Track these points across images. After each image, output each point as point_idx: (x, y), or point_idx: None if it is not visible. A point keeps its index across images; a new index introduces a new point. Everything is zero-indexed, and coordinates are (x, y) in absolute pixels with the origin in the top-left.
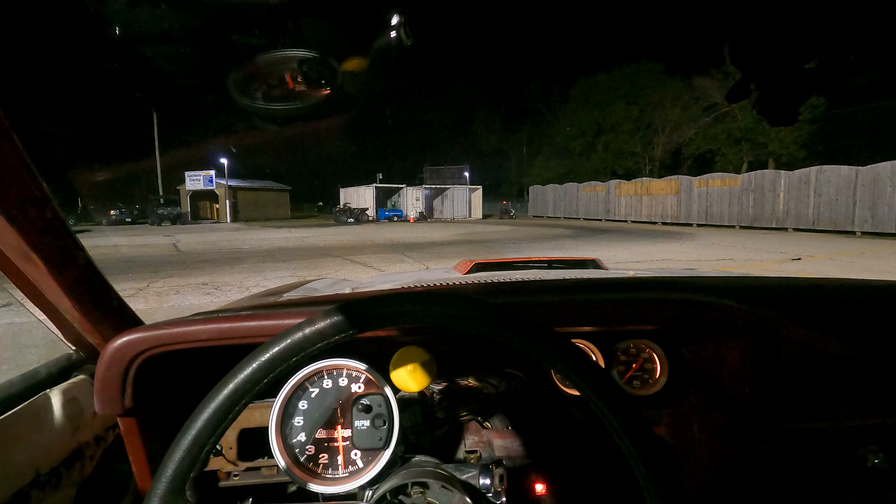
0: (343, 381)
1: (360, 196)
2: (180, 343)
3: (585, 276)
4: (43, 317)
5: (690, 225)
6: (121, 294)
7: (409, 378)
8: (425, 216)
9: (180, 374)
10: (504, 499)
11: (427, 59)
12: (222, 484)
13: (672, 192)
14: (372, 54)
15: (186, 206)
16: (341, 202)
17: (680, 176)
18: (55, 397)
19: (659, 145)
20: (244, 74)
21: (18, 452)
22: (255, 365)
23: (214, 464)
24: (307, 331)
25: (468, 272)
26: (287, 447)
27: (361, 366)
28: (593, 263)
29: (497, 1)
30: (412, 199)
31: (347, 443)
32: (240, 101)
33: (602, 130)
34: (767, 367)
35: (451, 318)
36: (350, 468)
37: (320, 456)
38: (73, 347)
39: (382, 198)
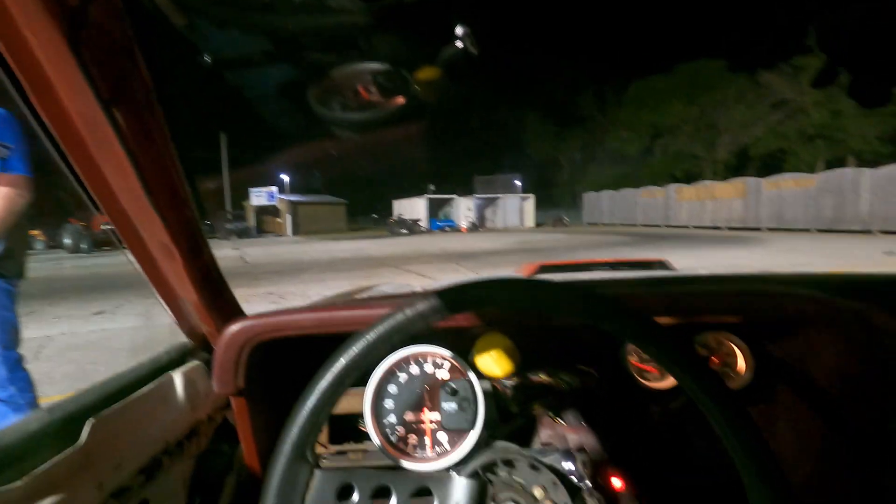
0: (429, 368)
1: (413, 207)
2: (286, 330)
3: (657, 275)
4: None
5: (759, 230)
6: None
7: (495, 363)
8: (477, 226)
9: (279, 361)
10: (588, 482)
11: (487, 68)
12: None
13: (738, 195)
14: (442, 64)
15: (252, 220)
16: (394, 214)
17: (746, 178)
18: (177, 379)
19: (722, 146)
20: (323, 88)
21: (151, 424)
22: (366, 341)
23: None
24: (409, 312)
25: (533, 274)
26: (380, 428)
27: (446, 353)
28: (661, 264)
29: (554, 8)
30: (464, 208)
31: (435, 425)
32: (319, 112)
33: (659, 133)
34: (866, 363)
35: (554, 304)
36: (438, 448)
37: (409, 437)
38: (188, 338)
39: (434, 208)
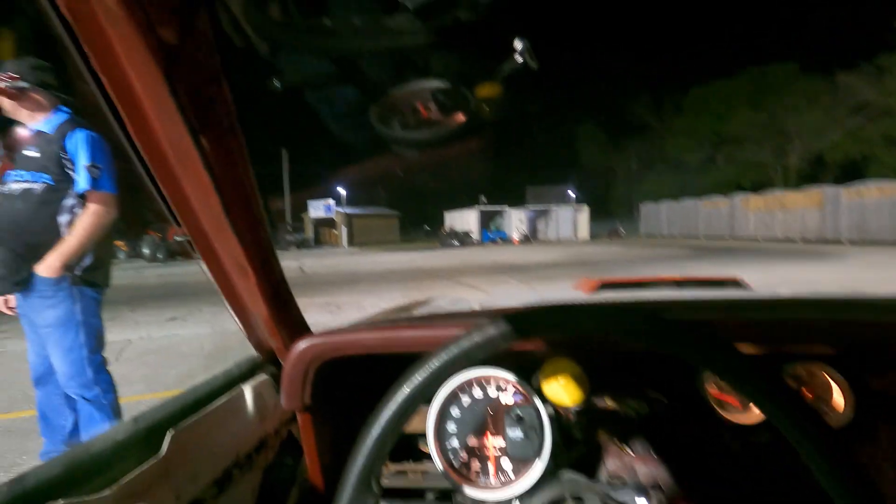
0: (493, 392)
1: (464, 219)
2: (352, 349)
3: (734, 296)
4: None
5: (839, 242)
6: None
7: (563, 391)
8: (529, 238)
9: (345, 377)
10: None
11: (542, 79)
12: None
13: (813, 204)
14: (501, 79)
15: (310, 232)
16: (446, 226)
17: (823, 186)
18: (247, 392)
19: (793, 153)
20: (383, 107)
21: (224, 437)
22: (431, 368)
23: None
24: (477, 337)
25: (594, 291)
26: (442, 451)
27: (511, 377)
28: (735, 284)
29: (610, 12)
30: (515, 220)
31: (499, 451)
32: (381, 131)
33: (723, 141)
34: None
35: (633, 332)
36: (502, 477)
37: (472, 462)
38: (256, 352)
39: (486, 220)
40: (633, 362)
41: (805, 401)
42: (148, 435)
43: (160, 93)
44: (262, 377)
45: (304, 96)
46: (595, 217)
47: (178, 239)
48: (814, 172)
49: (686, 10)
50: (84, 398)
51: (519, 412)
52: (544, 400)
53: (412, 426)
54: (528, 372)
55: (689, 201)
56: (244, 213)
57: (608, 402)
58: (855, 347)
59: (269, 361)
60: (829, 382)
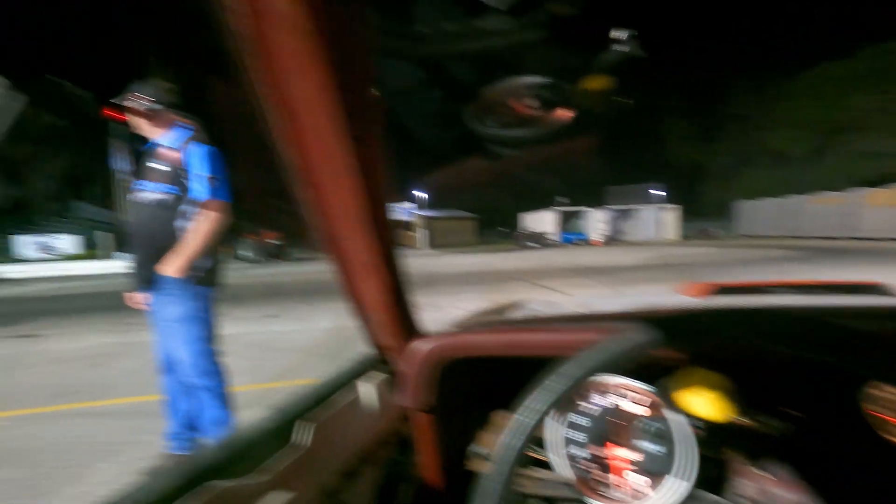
0: (622, 400)
1: (542, 220)
2: (475, 350)
3: (879, 304)
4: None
5: None
6: (346, 310)
7: (710, 405)
8: (611, 239)
9: (460, 378)
10: None
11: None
12: None
13: None
14: (602, 71)
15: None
16: (523, 227)
17: None
18: (369, 389)
19: None
20: (480, 107)
21: (351, 431)
22: (574, 371)
23: (480, 467)
24: (626, 343)
25: (708, 296)
26: (569, 459)
27: (645, 386)
28: (876, 289)
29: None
30: (596, 221)
31: (627, 464)
32: (478, 131)
33: (836, 129)
34: None
35: (804, 340)
36: (631, 491)
37: (595, 472)
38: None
39: (564, 221)
40: (770, 373)
41: None
42: (284, 425)
43: (323, 101)
44: (379, 375)
45: (391, 102)
46: (685, 217)
47: (273, 242)
48: None
49: None
50: (201, 386)
51: (653, 424)
52: (678, 411)
53: None
54: (652, 380)
55: (794, 198)
56: (377, 216)
57: (740, 417)
58: None
59: (383, 360)
60: None
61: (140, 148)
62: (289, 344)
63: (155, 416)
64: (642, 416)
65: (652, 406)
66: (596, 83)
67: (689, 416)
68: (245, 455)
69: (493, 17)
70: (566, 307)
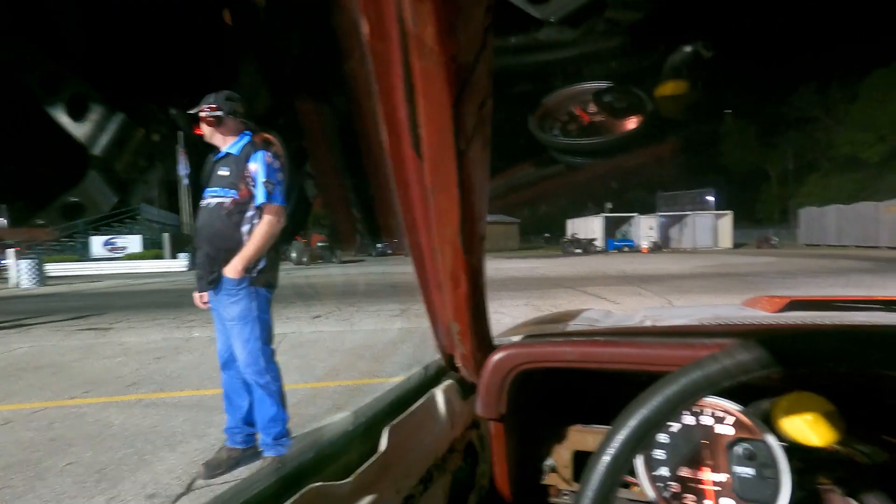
0: (707, 420)
1: (588, 226)
2: (551, 361)
3: None
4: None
5: None
6: (388, 313)
7: (811, 429)
8: (660, 246)
9: (533, 389)
10: None
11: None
12: (552, 500)
13: None
14: (671, 74)
15: None
16: (568, 233)
17: None
18: (440, 396)
19: None
20: (541, 114)
21: (425, 437)
22: (670, 392)
23: (549, 480)
24: (727, 363)
25: (780, 311)
26: (653, 479)
27: (733, 406)
28: None
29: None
30: (645, 227)
31: (720, 488)
32: (544, 140)
33: None
34: None
35: None
36: None
37: (686, 496)
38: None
39: (611, 227)
40: (871, 398)
41: None
42: (368, 430)
43: (445, 119)
44: (450, 382)
45: None
46: (740, 224)
47: (320, 245)
48: None
49: None
50: (258, 383)
51: (749, 447)
52: (777, 435)
53: (590, 444)
54: (744, 400)
55: (865, 205)
56: (473, 229)
57: (834, 445)
58: None
59: (454, 367)
60: None
61: (211, 156)
62: (336, 344)
63: (213, 410)
64: (736, 438)
65: (747, 428)
66: (671, 88)
67: (788, 440)
68: (336, 458)
69: (551, 29)
70: (629, 319)
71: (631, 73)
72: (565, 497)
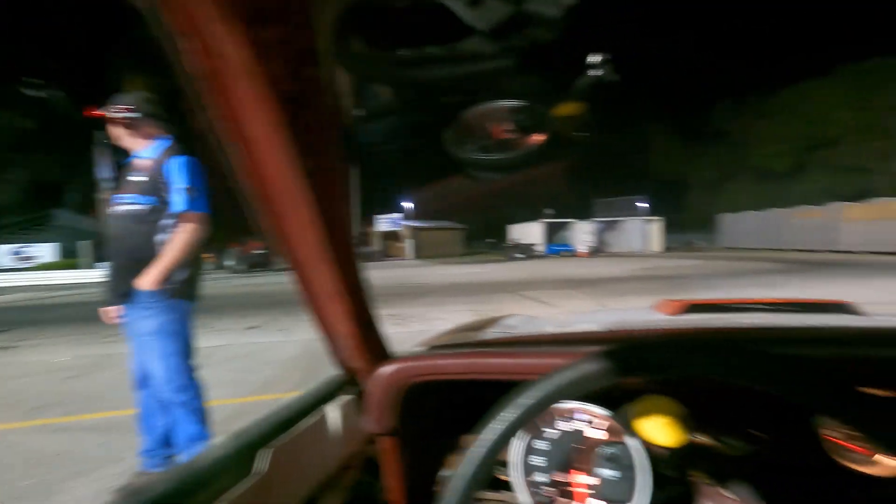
0: (581, 425)
1: (529, 232)
2: (439, 374)
3: (845, 324)
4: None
5: None
6: None
7: (664, 431)
8: (597, 250)
9: (426, 402)
10: None
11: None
12: None
13: None
14: (579, 95)
15: (377, 245)
16: (510, 238)
17: None
18: (333, 412)
19: None
20: (458, 130)
21: (314, 456)
22: (532, 401)
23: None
24: (584, 371)
25: (679, 314)
26: (529, 485)
27: (602, 411)
28: (843, 307)
29: (690, 16)
30: (582, 233)
31: (588, 490)
32: (457, 156)
33: (816, 145)
34: None
35: (758, 376)
36: None
37: (557, 500)
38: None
39: (551, 233)
40: (732, 394)
41: None
42: (245, 452)
43: (275, 139)
44: (346, 398)
45: (376, 122)
46: (669, 229)
47: (257, 252)
48: None
49: (769, 5)
50: (177, 401)
51: (612, 450)
52: (636, 437)
53: None
54: (614, 405)
55: (776, 211)
56: (341, 244)
57: (704, 439)
58: None
59: (351, 382)
60: None
61: (120, 156)
62: (272, 356)
63: (132, 432)
64: (603, 441)
65: (612, 431)
66: (567, 109)
67: (645, 441)
68: (202, 485)
69: (473, 41)
70: (543, 325)
71: (546, 93)
72: None
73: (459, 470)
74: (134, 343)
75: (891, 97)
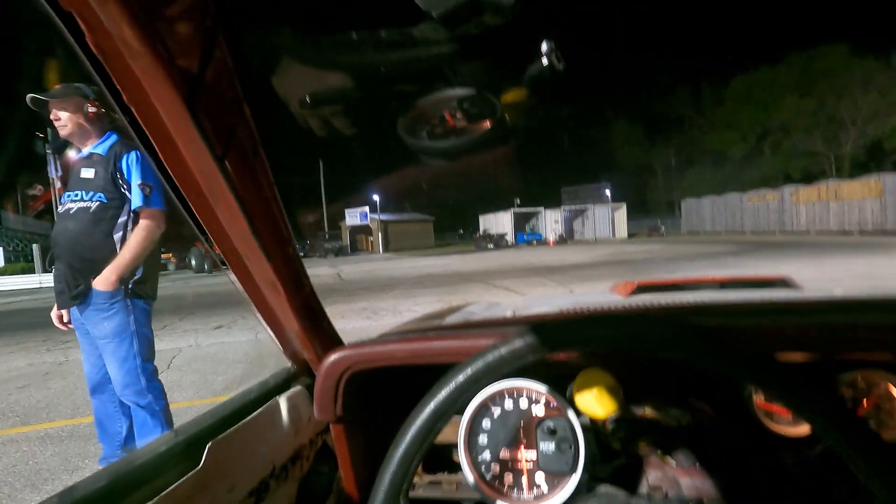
0: (524, 403)
1: (499, 221)
2: (382, 361)
3: (781, 298)
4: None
5: None
6: None
7: (596, 403)
8: (565, 238)
9: (376, 388)
10: None
11: (572, 78)
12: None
13: (872, 194)
14: (528, 83)
15: (346, 239)
16: (480, 229)
17: (883, 175)
18: (282, 404)
19: (848, 141)
20: (410, 118)
21: (260, 448)
22: (456, 382)
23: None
24: (503, 350)
25: (630, 294)
26: (474, 463)
27: (542, 388)
28: (783, 283)
29: (644, 7)
30: (551, 221)
31: (532, 465)
32: (408, 142)
33: (768, 131)
34: None
35: (660, 343)
36: (535, 491)
37: (505, 475)
38: (291, 362)
39: (520, 222)
40: (672, 369)
41: (853, 413)
42: (188, 447)
43: (185, 122)
44: (297, 388)
45: (332, 109)
46: (633, 215)
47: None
48: (870, 160)
49: None
50: (138, 405)
51: (551, 424)
52: (578, 411)
53: (447, 437)
54: (562, 382)
55: (733, 195)
56: (272, 232)
57: (648, 412)
58: None
59: (303, 373)
60: (891, 392)
61: (64, 153)
62: (238, 356)
63: (90, 440)
64: (545, 417)
65: (553, 407)
66: (512, 96)
67: (583, 414)
68: (142, 481)
69: (427, 27)
70: (503, 310)
71: (498, 80)
72: (419, 489)
73: (391, 451)
74: (87, 347)
75: (835, 83)
